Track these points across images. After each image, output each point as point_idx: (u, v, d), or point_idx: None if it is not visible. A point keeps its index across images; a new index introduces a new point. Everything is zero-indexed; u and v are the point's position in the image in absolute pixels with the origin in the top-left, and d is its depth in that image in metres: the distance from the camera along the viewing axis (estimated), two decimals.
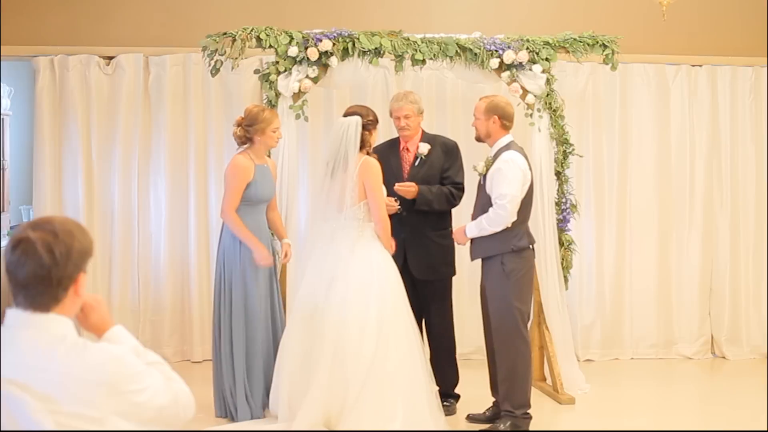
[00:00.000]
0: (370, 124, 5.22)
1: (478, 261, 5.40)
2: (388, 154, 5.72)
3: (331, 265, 5.08)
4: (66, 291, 2.18)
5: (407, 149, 5.72)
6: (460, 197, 5.68)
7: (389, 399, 4.88)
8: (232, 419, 5.36)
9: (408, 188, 5.52)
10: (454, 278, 5.80)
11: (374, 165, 5.17)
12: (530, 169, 5.27)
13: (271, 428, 5.08)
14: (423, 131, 5.76)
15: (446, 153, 5.68)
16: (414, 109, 5.63)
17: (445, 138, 5.83)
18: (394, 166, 5.67)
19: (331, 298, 5.00)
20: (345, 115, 5.27)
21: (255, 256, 5.33)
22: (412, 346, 5.03)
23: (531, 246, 5.30)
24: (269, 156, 5.73)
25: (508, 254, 5.16)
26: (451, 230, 5.61)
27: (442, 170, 5.64)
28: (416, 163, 5.66)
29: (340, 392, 4.90)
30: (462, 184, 5.67)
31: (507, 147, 5.24)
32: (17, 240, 2.15)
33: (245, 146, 5.46)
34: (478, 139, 5.40)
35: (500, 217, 5.12)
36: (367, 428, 4.80)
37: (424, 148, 5.65)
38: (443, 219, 5.68)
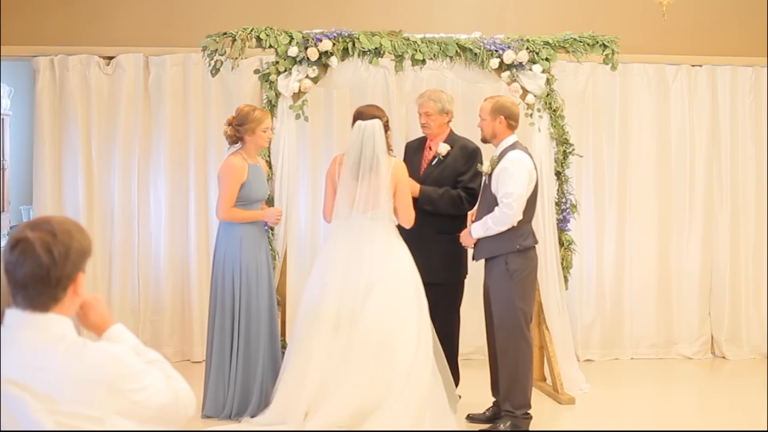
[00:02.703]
0: (386, 125, 5.31)
1: (479, 261, 5.41)
2: (414, 152, 5.80)
3: (365, 269, 5.10)
4: (65, 291, 2.18)
5: (430, 148, 5.71)
6: (471, 203, 5.58)
7: (423, 399, 4.96)
8: (229, 419, 5.36)
9: None
10: None
11: (404, 166, 5.34)
12: (535, 168, 5.27)
13: (276, 428, 5.06)
14: (451, 131, 5.73)
15: (464, 156, 5.62)
16: (435, 108, 5.61)
17: (467, 141, 5.73)
18: (415, 164, 5.69)
19: (370, 303, 5.04)
20: (360, 116, 5.26)
21: (267, 220, 5.47)
22: (431, 347, 5.13)
23: (535, 245, 5.30)
24: (267, 158, 5.75)
25: (513, 254, 5.16)
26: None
27: (457, 173, 5.60)
28: (433, 163, 5.65)
29: (376, 394, 4.93)
30: (475, 190, 5.56)
31: (512, 147, 5.23)
32: (16, 240, 2.15)
33: (237, 146, 5.47)
34: (484, 140, 5.40)
35: (506, 216, 5.11)
36: (402, 428, 4.85)
37: (443, 148, 5.63)
38: (454, 223, 5.57)
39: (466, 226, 5.58)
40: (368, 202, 5.15)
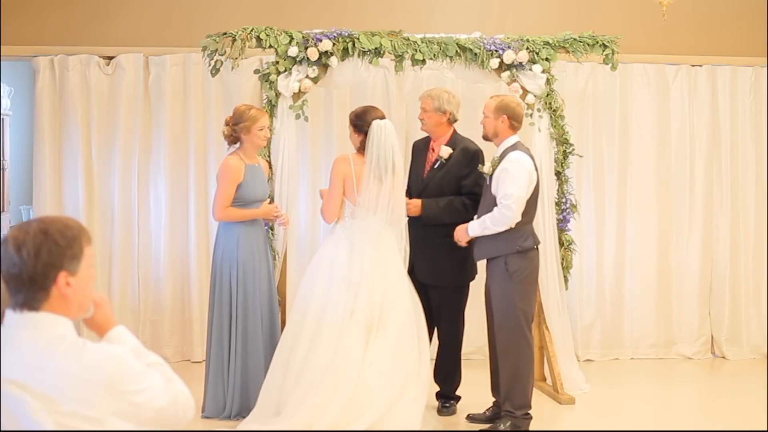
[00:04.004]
0: None
1: (479, 261, 5.40)
2: (420, 152, 5.75)
3: (387, 269, 5.13)
4: (46, 291, 2.18)
5: (433, 149, 5.66)
6: (476, 209, 5.45)
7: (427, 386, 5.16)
8: (228, 419, 5.36)
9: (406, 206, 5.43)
10: None
11: None
12: (536, 170, 5.26)
13: (288, 428, 5.04)
14: (454, 133, 5.65)
15: (465, 159, 5.54)
16: (431, 104, 5.55)
17: (469, 143, 5.63)
18: (419, 165, 5.67)
19: (396, 303, 5.09)
20: (369, 117, 5.21)
21: (266, 216, 5.47)
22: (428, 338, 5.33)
23: (536, 246, 5.30)
24: (267, 158, 5.75)
25: (512, 255, 5.14)
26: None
27: (460, 177, 5.53)
28: (435, 166, 5.60)
29: (400, 392, 4.99)
30: (479, 195, 5.44)
31: (513, 147, 5.22)
32: (4, 239, 2.18)
33: (236, 146, 5.47)
34: (485, 137, 5.38)
35: (505, 217, 5.10)
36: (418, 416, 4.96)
37: (445, 151, 5.56)
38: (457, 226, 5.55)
39: None
40: (389, 202, 5.17)
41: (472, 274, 5.67)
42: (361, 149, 5.21)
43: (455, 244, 5.42)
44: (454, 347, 5.65)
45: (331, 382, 4.93)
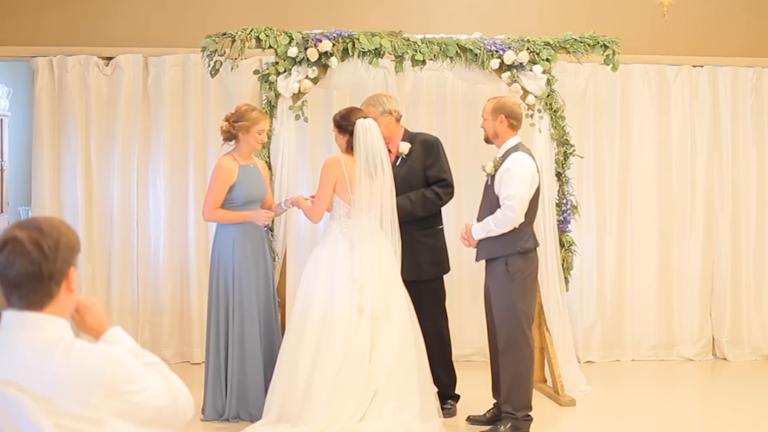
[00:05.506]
0: None
1: (479, 261, 5.39)
2: None
3: (384, 266, 5.16)
4: (59, 286, 2.17)
5: (389, 150, 5.67)
6: (449, 193, 5.61)
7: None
8: (227, 422, 5.33)
9: None
10: (454, 278, 5.74)
11: None
12: (538, 171, 5.26)
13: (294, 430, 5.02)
14: (405, 130, 5.71)
15: (426, 150, 5.62)
16: (374, 111, 5.57)
17: (425, 135, 5.78)
18: None
19: (395, 300, 5.14)
20: (354, 116, 5.25)
21: (255, 220, 5.36)
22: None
23: (536, 248, 5.28)
24: (267, 158, 5.73)
25: (513, 256, 5.13)
26: (440, 229, 5.63)
27: (424, 168, 5.60)
28: (397, 163, 5.61)
29: (400, 388, 5.05)
30: (447, 179, 5.60)
31: (515, 148, 5.21)
32: (4, 241, 2.15)
33: (231, 146, 5.45)
34: (487, 140, 5.38)
35: (508, 218, 5.09)
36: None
37: (404, 147, 5.61)
38: (431, 217, 5.60)
39: (441, 220, 5.65)
40: (382, 199, 5.21)
41: (448, 266, 5.74)
42: (349, 149, 5.26)
43: (430, 235, 5.54)
44: (442, 343, 5.64)
45: (345, 383, 4.99)
